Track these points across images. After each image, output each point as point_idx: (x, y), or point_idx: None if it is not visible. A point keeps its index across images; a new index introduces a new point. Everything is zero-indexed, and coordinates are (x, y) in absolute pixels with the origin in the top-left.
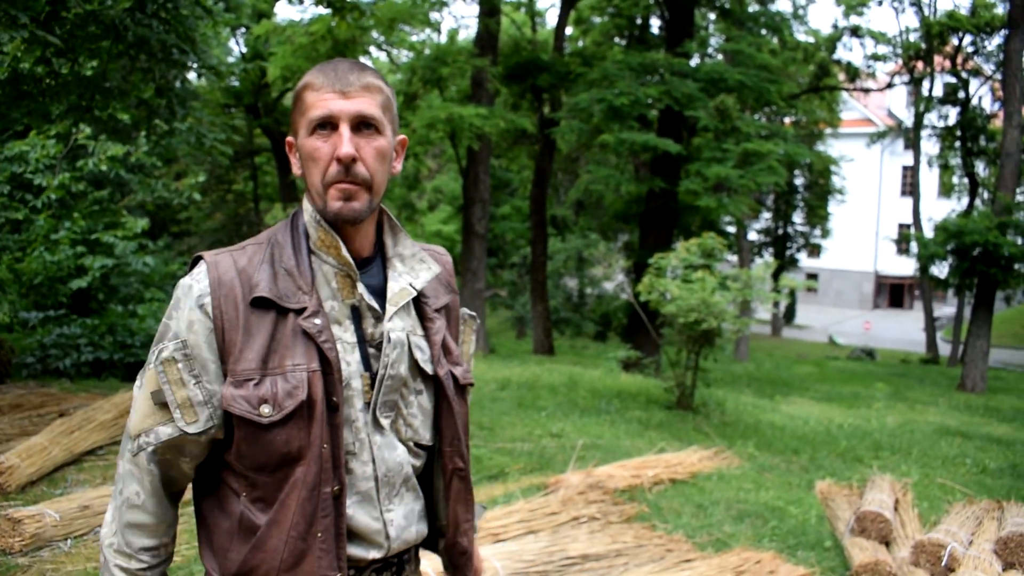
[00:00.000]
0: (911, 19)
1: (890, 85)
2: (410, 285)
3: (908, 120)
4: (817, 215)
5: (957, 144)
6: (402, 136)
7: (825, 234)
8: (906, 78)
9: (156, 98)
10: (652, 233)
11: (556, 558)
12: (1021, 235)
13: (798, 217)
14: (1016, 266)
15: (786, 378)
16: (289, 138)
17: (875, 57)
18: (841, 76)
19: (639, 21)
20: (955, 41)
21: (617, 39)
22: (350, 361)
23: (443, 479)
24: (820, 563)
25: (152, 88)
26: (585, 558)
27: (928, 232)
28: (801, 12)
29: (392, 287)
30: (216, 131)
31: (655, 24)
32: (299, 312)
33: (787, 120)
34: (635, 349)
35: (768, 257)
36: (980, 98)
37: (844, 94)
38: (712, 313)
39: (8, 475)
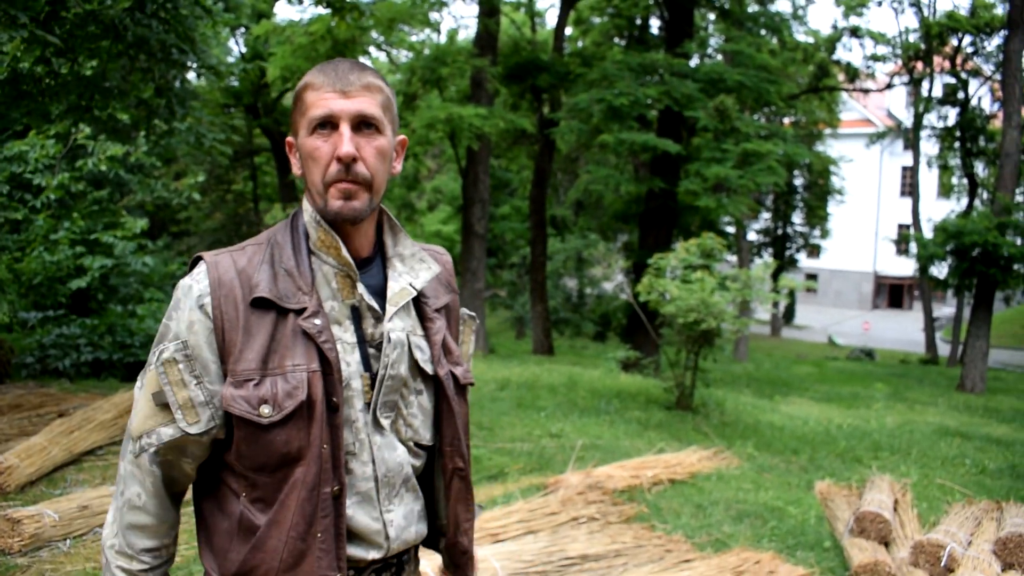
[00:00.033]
0: (911, 20)
1: (889, 86)
2: (410, 285)
3: (907, 121)
4: (816, 215)
5: (956, 145)
6: (402, 136)
7: (824, 234)
8: (905, 79)
9: (155, 98)
10: (651, 233)
11: (555, 558)
12: (1020, 235)
13: (797, 217)
14: (1015, 266)
15: (785, 378)
16: (289, 138)
17: (874, 58)
18: (840, 76)
19: (639, 21)
20: (954, 42)
21: (617, 39)
22: (350, 361)
23: (443, 479)
24: (819, 563)
25: (151, 88)
26: (584, 558)
27: (927, 232)
28: (800, 12)
29: (392, 287)
30: (215, 131)
31: (655, 24)
32: (299, 312)
33: (786, 120)
34: (634, 349)
35: (767, 257)
36: (979, 99)
37: (843, 95)
38: (711, 313)
39: (7, 475)
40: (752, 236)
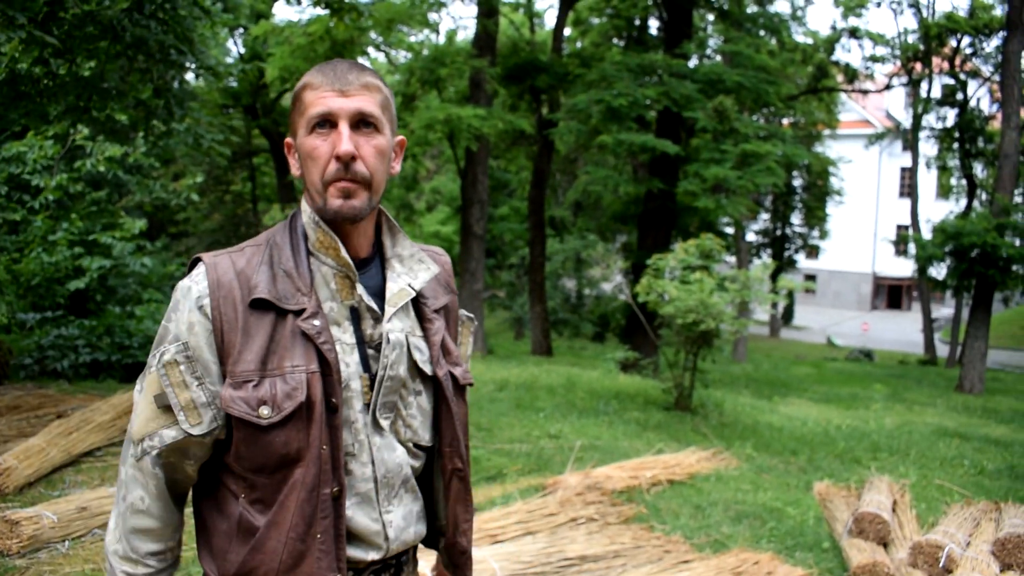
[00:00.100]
0: (909, 21)
1: (888, 87)
2: (409, 286)
3: (906, 121)
4: (815, 216)
5: (955, 145)
6: (400, 137)
7: (823, 235)
8: (904, 79)
9: (154, 99)
10: (650, 234)
11: (554, 559)
12: (1019, 236)
13: (796, 218)
14: (1014, 267)
15: (784, 379)
16: (288, 139)
17: (873, 58)
18: (839, 77)
19: (637, 22)
20: (953, 43)
21: (615, 40)
22: (349, 362)
23: (442, 479)
24: (818, 564)
25: (150, 89)
26: (583, 559)
27: (926, 233)
28: (799, 13)
29: (391, 288)
30: (214, 132)
31: (653, 25)
32: (298, 313)
33: (785, 121)
34: (633, 350)
35: (766, 258)
36: (978, 100)
37: (842, 95)
38: (710, 314)
39: (6, 477)
40: (751, 237)
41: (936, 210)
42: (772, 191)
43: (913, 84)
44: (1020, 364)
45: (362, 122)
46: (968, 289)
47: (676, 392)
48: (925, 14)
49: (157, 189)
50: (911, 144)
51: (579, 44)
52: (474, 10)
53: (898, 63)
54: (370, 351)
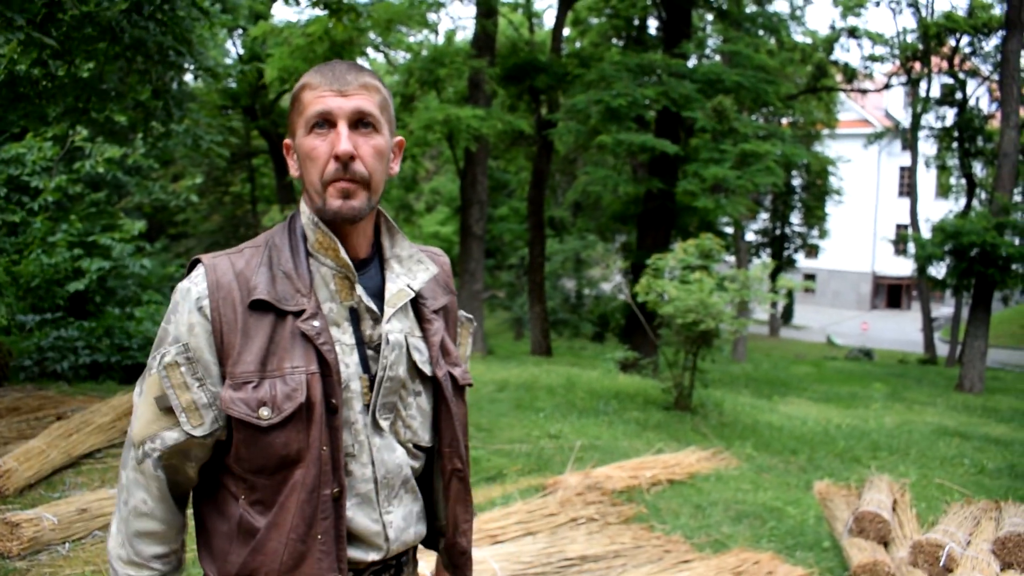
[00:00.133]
0: (908, 20)
1: (887, 86)
2: (408, 286)
3: (905, 121)
4: (815, 216)
5: (954, 145)
6: (399, 138)
7: (823, 235)
8: (903, 79)
9: (153, 100)
10: (650, 234)
11: (554, 559)
12: (1019, 235)
13: (796, 218)
14: (1013, 266)
15: (784, 378)
16: (287, 140)
17: (872, 58)
18: (838, 77)
19: (636, 22)
20: (952, 42)
21: (614, 40)
22: (349, 363)
23: (442, 480)
24: (818, 564)
25: (149, 90)
26: (583, 559)
27: (926, 233)
28: (799, 13)
29: (390, 288)
30: (213, 133)
31: (652, 25)
32: (297, 315)
33: (784, 121)
34: (633, 350)
35: (766, 258)
36: (977, 99)
37: (841, 95)
38: (710, 314)
39: (6, 478)
40: (750, 236)
41: (935, 209)
42: (771, 191)
43: (912, 83)
44: (1020, 363)
45: (360, 122)
46: (968, 288)
47: (676, 392)
48: (924, 13)
49: (156, 190)
50: (910, 143)
51: (578, 44)
52: (473, 10)
53: (897, 62)
54: (369, 352)
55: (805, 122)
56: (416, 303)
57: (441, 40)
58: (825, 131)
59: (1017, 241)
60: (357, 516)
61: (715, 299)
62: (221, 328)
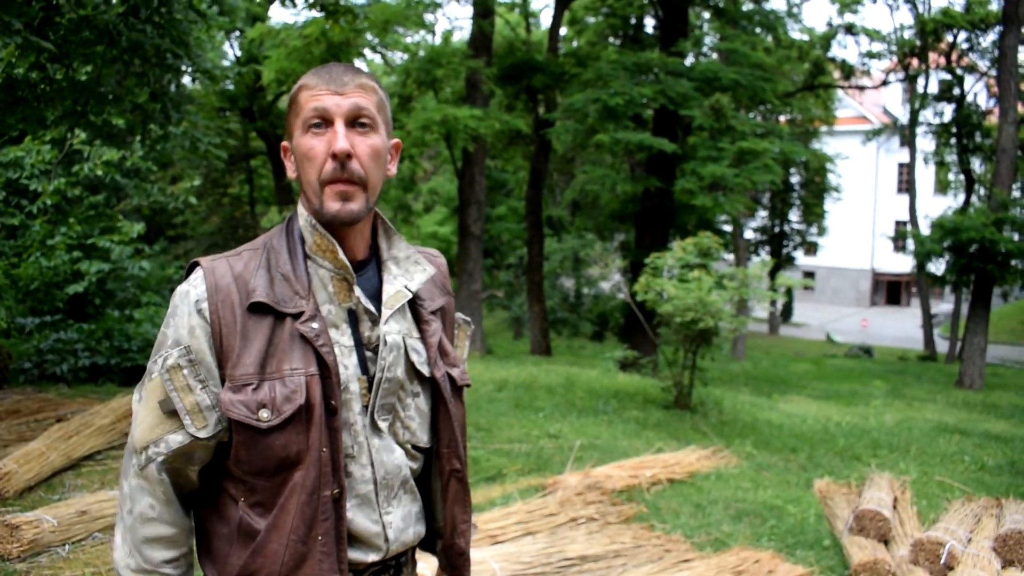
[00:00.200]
0: (906, 16)
1: (885, 82)
2: (405, 287)
3: (903, 117)
4: (813, 213)
5: (953, 141)
6: (396, 139)
7: (821, 232)
8: (901, 75)
9: (151, 103)
10: (648, 232)
11: (554, 559)
12: (1018, 231)
13: (794, 215)
14: (1013, 262)
15: (784, 376)
16: (284, 142)
17: (870, 55)
18: (836, 74)
19: (633, 21)
20: (950, 38)
21: (611, 39)
22: (348, 364)
23: (440, 481)
24: (819, 562)
25: (147, 93)
26: (583, 559)
27: (925, 229)
28: (795, 10)
29: (387, 290)
30: (211, 135)
31: (649, 24)
32: (296, 317)
33: (782, 118)
34: (632, 349)
35: (765, 255)
36: (975, 95)
37: (839, 92)
38: (709, 312)
39: (6, 481)
40: (749, 234)
41: (934, 205)
42: (770, 188)
43: (910, 80)
44: (1020, 359)
45: (357, 121)
46: (967, 284)
47: (675, 390)
48: (921, 9)
49: (155, 193)
50: (908, 140)
51: (575, 43)
52: (470, 10)
53: (894, 59)
54: (368, 353)
55: (803, 119)
56: (414, 304)
57: (438, 40)
58: (823, 128)
59: (1016, 237)
60: (357, 517)
61: (714, 297)
62: (220, 330)
